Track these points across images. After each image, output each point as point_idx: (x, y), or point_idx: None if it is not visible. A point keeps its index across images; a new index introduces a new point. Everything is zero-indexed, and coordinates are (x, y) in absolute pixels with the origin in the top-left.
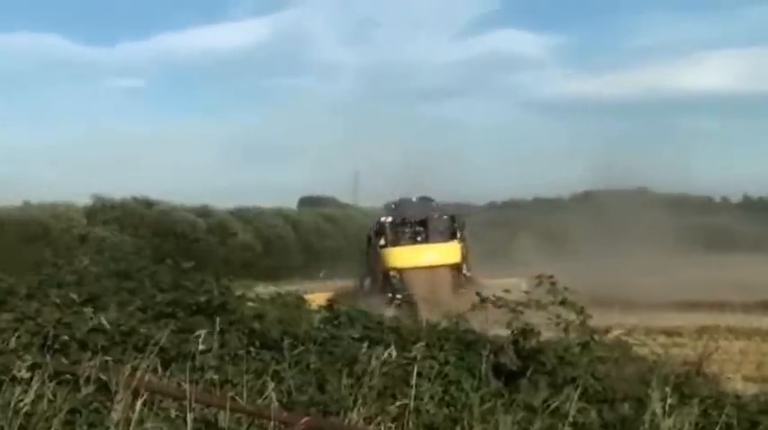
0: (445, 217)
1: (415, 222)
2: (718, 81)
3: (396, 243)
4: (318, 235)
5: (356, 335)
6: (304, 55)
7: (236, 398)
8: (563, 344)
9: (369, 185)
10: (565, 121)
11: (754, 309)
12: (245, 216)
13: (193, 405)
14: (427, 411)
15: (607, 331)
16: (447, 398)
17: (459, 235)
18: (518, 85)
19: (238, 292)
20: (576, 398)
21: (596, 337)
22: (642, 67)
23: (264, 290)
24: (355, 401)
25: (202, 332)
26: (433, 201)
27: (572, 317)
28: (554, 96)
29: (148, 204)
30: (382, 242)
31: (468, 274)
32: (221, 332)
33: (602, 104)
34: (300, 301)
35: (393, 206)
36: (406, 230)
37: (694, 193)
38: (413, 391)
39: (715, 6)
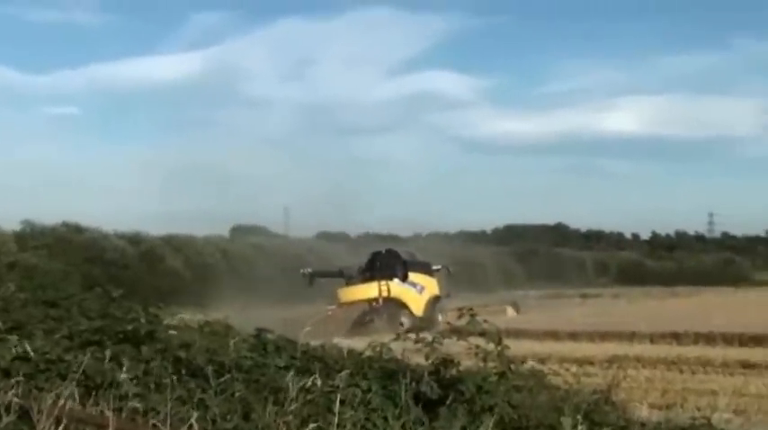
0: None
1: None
2: (630, 125)
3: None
4: (249, 264)
5: (282, 364)
6: (238, 89)
7: (159, 425)
8: (481, 374)
9: (299, 216)
10: (489, 159)
11: (661, 340)
12: (176, 243)
13: None
14: None
15: (523, 361)
16: (369, 425)
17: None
18: (445, 124)
19: (166, 321)
20: (492, 425)
21: (513, 367)
22: (562, 109)
23: (192, 317)
24: (279, 429)
25: (126, 360)
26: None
27: (491, 347)
28: (479, 135)
29: (78, 230)
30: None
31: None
32: (147, 360)
33: (524, 144)
34: (227, 329)
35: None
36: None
37: (607, 229)
38: (336, 419)
39: (629, 56)
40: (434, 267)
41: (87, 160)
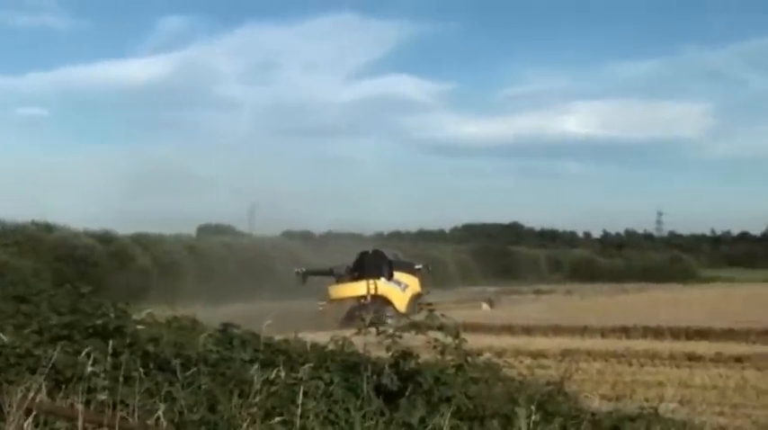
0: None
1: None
2: (583, 128)
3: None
4: (216, 261)
5: (247, 358)
6: (206, 92)
7: (127, 418)
8: (439, 366)
9: (264, 215)
10: (448, 161)
11: (611, 334)
12: (144, 242)
13: (84, 425)
14: (312, 429)
15: (480, 354)
16: (331, 416)
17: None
18: (406, 127)
19: (135, 316)
20: (449, 415)
21: (470, 359)
22: (518, 113)
23: (161, 313)
24: (244, 420)
25: (95, 354)
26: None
27: (449, 340)
28: (439, 138)
29: (48, 229)
30: None
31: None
32: (116, 354)
33: (481, 146)
34: (195, 324)
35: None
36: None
37: (560, 228)
38: (299, 410)
39: (582, 61)
40: (416, 266)
41: (57, 161)
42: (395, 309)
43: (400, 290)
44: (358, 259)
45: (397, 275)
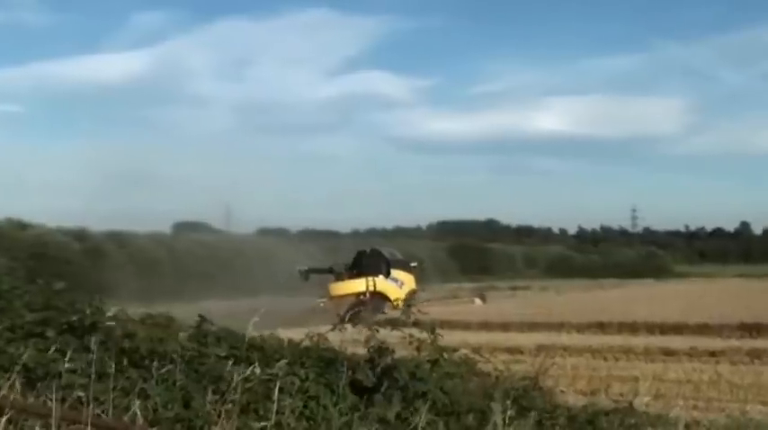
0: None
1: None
2: (558, 124)
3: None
4: (192, 259)
5: (222, 354)
6: (181, 88)
7: (102, 415)
8: (415, 362)
9: (241, 213)
10: (424, 158)
11: (587, 329)
12: (120, 239)
13: (59, 422)
14: (288, 425)
15: (455, 349)
16: (307, 412)
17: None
18: (383, 123)
19: (110, 313)
20: (425, 411)
21: (445, 355)
22: (493, 109)
23: (136, 310)
24: (219, 417)
25: (70, 351)
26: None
27: (424, 336)
28: (415, 135)
29: (22, 226)
30: None
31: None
32: (90, 351)
33: (458, 143)
34: (170, 321)
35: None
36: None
37: (536, 225)
38: (274, 406)
39: (557, 58)
40: (412, 264)
41: (31, 157)
42: (392, 305)
43: (397, 287)
44: (356, 258)
45: (395, 273)
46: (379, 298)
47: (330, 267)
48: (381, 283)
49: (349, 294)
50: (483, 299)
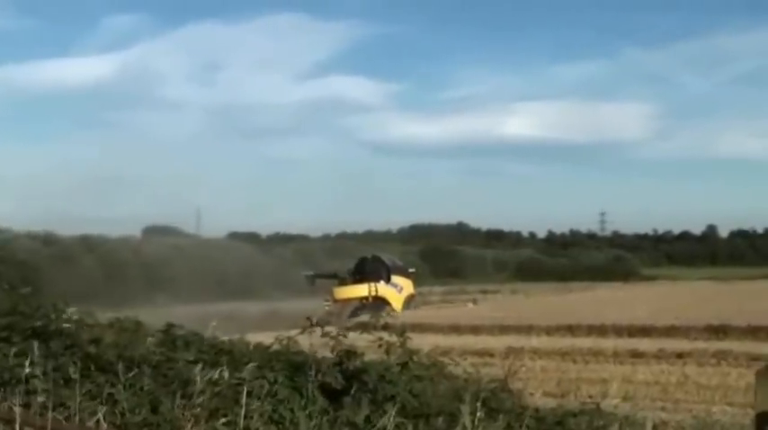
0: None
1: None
2: (527, 129)
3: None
4: (162, 263)
5: (191, 358)
6: (152, 91)
7: (63, 420)
8: (384, 365)
9: (211, 217)
10: (395, 162)
11: (556, 332)
12: (89, 244)
13: (22, 427)
14: (257, 429)
15: (426, 353)
16: (276, 416)
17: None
18: (353, 127)
19: (76, 317)
20: (394, 413)
21: (415, 358)
22: (464, 114)
23: (104, 315)
24: (187, 421)
25: (34, 356)
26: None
27: (394, 339)
28: (386, 138)
29: None
30: None
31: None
32: (56, 356)
33: (428, 147)
34: (138, 326)
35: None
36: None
37: (506, 229)
38: (243, 410)
39: (526, 64)
40: (410, 270)
41: None
42: (392, 308)
43: (396, 291)
44: (359, 264)
45: (394, 278)
46: (381, 302)
47: (335, 272)
48: (382, 288)
49: (352, 298)
50: (475, 302)
